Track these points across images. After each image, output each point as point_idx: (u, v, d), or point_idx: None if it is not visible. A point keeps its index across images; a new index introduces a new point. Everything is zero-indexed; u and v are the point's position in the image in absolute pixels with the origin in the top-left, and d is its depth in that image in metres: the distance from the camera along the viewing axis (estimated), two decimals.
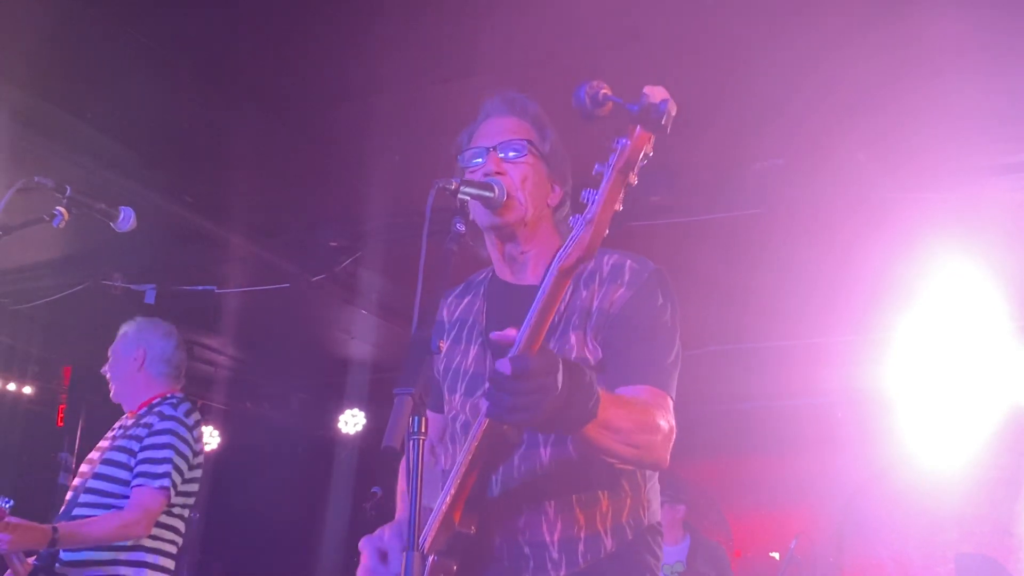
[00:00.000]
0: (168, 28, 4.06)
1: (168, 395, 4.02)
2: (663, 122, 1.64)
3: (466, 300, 2.40)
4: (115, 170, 4.99)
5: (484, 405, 1.89)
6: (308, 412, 9.86)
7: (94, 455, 3.94)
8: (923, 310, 6.20)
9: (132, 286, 6.43)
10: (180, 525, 3.92)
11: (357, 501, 8.71)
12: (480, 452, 1.94)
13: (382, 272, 6.33)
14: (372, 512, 7.14)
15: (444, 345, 2.35)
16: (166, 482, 3.73)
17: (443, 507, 1.97)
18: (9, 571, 3.64)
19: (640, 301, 2.15)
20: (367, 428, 9.32)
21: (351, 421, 9.37)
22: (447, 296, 2.45)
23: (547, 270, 1.81)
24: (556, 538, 2.10)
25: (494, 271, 2.38)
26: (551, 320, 1.79)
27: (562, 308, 2.16)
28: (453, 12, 3.88)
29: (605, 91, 1.67)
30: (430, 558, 1.95)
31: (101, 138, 4.81)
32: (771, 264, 5.69)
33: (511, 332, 1.79)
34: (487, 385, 1.69)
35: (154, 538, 3.78)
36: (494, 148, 2.23)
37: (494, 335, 1.84)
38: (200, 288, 6.58)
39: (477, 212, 2.20)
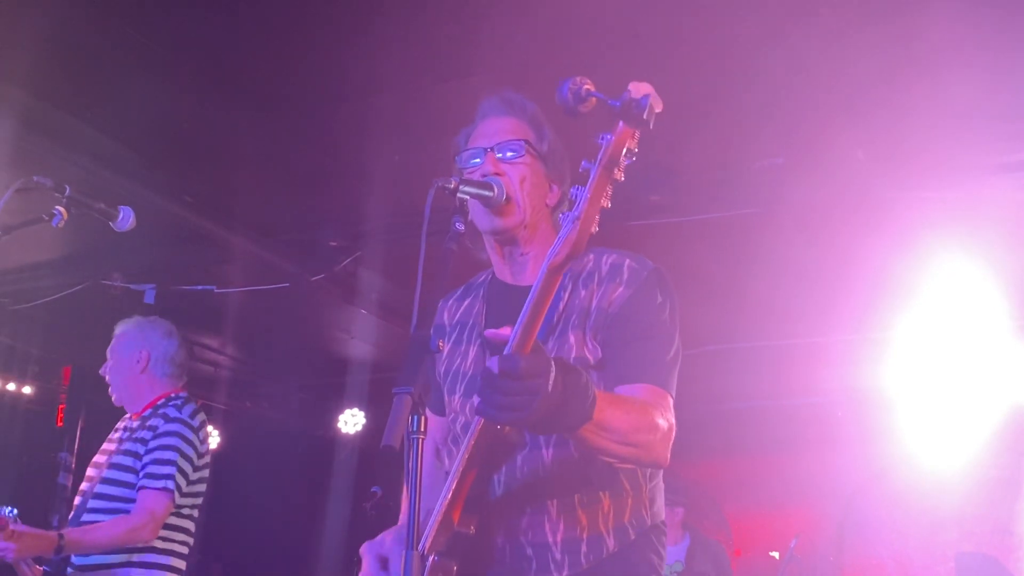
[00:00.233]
0: (168, 28, 4.06)
1: (172, 395, 4.01)
2: (645, 117, 1.64)
3: (466, 302, 2.40)
4: (115, 170, 4.99)
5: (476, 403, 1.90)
6: (308, 412, 9.87)
7: (100, 458, 3.93)
8: (923, 309, 6.20)
9: (132, 286, 6.44)
10: (190, 526, 3.92)
11: (357, 501, 8.70)
12: (477, 451, 1.94)
13: (382, 272, 6.34)
14: (372, 512, 7.14)
15: (445, 347, 2.35)
16: (170, 484, 3.72)
17: (442, 507, 1.96)
18: None
19: (639, 300, 2.14)
20: (367, 428, 9.33)
21: (351, 421, 9.38)
22: (447, 299, 2.44)
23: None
24: (559, 539, 2.10)
25: (494, 273, 2.37)
26: (550, 319, 1.79)
27: (561, 308, 2.16)
28: (452, 12, 3.88)
29: (588, 87, 1.68)
30: (430, 558, 1.94)
31: (101, 138, 4.81)
32: (770, 263, 5.69)
33: (505, 330, 1.78)
34: (480, 383, 1.68)
35: (165, 540, 3.79)
36: (492, 149, 2.23)
37: (488, 332, 1.83)
38: (200, 288, 6.59)
39: (477, 214, 2.19)
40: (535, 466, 2.12)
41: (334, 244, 5.98)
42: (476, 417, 1.92)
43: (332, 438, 9.56)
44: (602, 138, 1.69)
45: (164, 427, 3.83)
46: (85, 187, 3.09)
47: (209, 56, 4.26)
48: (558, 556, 2.09)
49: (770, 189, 4.90)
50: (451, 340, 2.36)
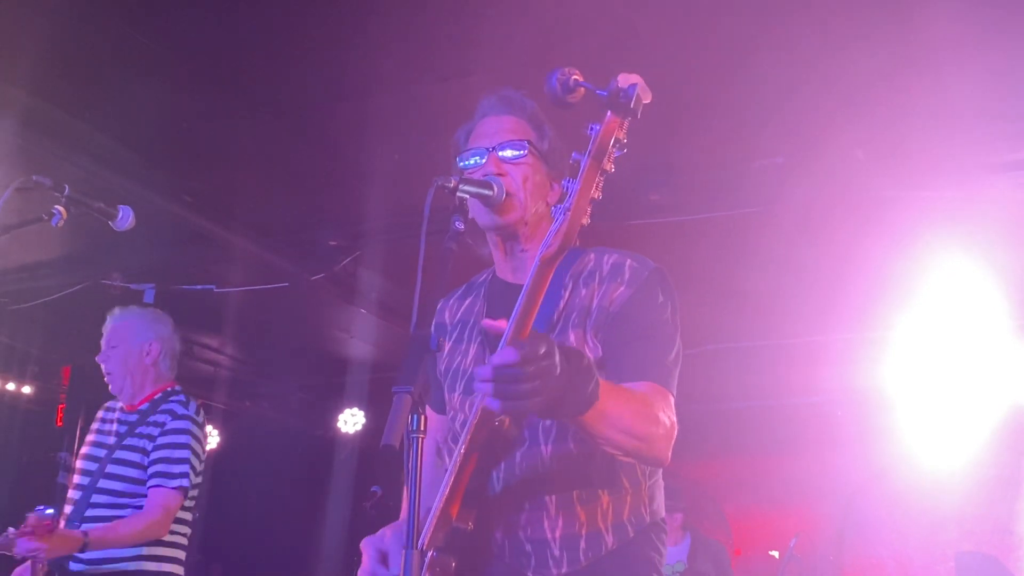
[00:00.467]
0: (168, 28, 4.06)
1: (169, 390, 4.03)
2: (632, 106, 1.65)
3: (467, 301, 2.40)
4: (114, 170, 4.99)
5: (477, 398, 1.89)
6: (308, 411, 9.87)
7: (95, 451, 3.92)
8: (923, 308, 6.20)
9: (131, 285, 6.44)
10: (189, 517, 3.99)
11: (357, 500, 8.71)
12: (474, 447, 1.94)
13: (381, 271, 6.34)
14: (372, 511, 7.14)
15: (446, 346, 2.35)
16: (185, 482, 3.79)
17: (440, 502, 1.97)
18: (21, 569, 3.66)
19: (640, 300, 2.14)
20: (367, 427, 9.33)
21: (351, 420, 9.38)
22: (448, 298, 2.45)
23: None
24: (557, 535, 2.10)
25: (495, 272, 2.37)
26: (550, 317, 1.78)
27: (561, 306, 2.17)
28: (451, 11, 3.88)
29: (576, 77, 1.68)
30: (429, 554, 1.95)
31: (100, 137, 4.81)
32: (770, 263, 5.69)
33: (502, 322, 1.77)
34: (486, 373, 1.65)
35: (172, 533, 3.84)
36: (493, 149, 2.23)
37: (485, 322, 1.82)
38: (199, 288, 6.59)
39: (477, 212, 2.19)
40: (534, 462, 2.12)
41: (334, 243, 5.97)
42: (473, 414, 1.93)
43: (332, 438, 9.57)
44: (591, 129, 1.69)
45: (173, 424, 3.87)
46: (84, 187, 3.09)
47: (208, 56, 4.26)
48: (557, 553, 2.10)
49: (770, 188, 4.90)
50: (452, 339, 2.36)
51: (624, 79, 1.66)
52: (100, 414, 4.09)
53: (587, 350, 2.11)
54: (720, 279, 5.88)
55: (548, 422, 2.12)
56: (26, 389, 8.35)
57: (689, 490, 6.48)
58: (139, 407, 3.97)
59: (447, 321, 2.40)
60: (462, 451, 1.94)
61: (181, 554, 3.93)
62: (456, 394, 2.28)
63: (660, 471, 2.25)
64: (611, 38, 3.94)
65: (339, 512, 9.07)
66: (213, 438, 9.28)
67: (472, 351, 2.29)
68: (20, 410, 8.39)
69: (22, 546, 3.38)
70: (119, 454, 3.84)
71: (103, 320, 4.16)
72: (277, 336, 8.24)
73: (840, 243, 5.42)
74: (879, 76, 4.14)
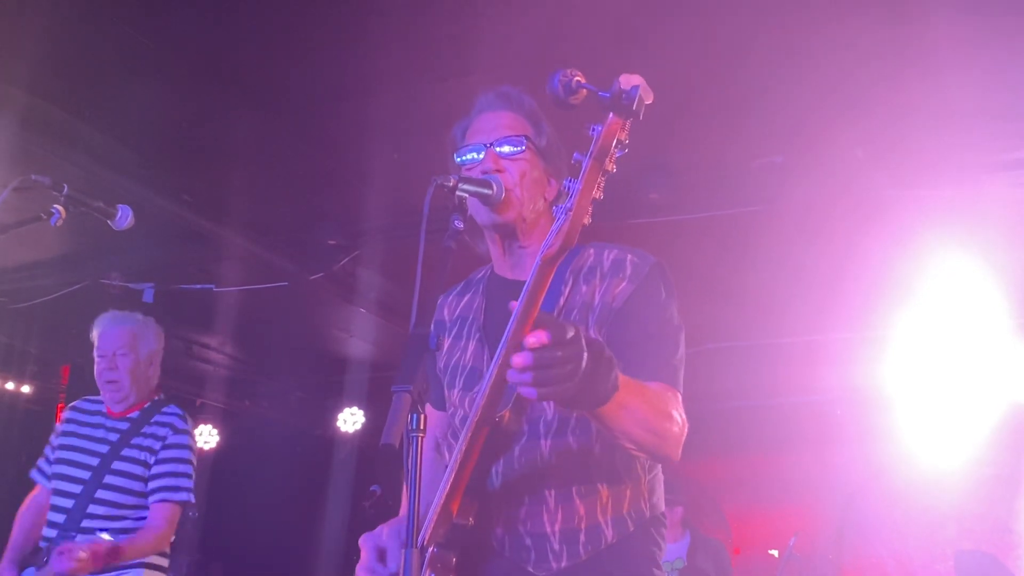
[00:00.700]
0: (167, 28, 4.06)
1: (158, 399, 4.04)
2: (634, 107, 1.66)
3: (466, 298, 2.40)
4: (113, 169, 4.99)
5: (478, 396, 1.90)
6: (307, 411, 9.86)
7: (82, 458, 3.86)
8: (922, 307, 6.20)
9: (130, 285, 6.44)
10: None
11: (356, 500, 8.71)
12: (475, 443, 1.95)
13: (380, 270, 6.33)
14: (371, 511, 7.13)
15: (446, 343, 2.35)
16: (191, 498, 3.90)
17: (441, 499, 1.97)
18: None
19: (645, 297, 2.15)
20: (366, 426, 9.33)
21: (350, 420, 9.38)
22: (447, 295, 2.45)
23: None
24: (557, 529, 2.10)
25: (493, 268, 2.38)
26: (550, 312, 1.78)
27: (562, 303, 2.17)
28: (450, 11, 3.88)
29: (578, 78, 1.69)
30: (429, 550, 1.96)
31: (99, 137, 4.81)
32: (770, 262, 5.69)
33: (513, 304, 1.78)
34: (524, 360, 1.64)
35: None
36: (491, 145, 2.22)
37: (511, 304, 1.80)
38: (198, 287, 6.59)
39: (476, 209, 2.19)
40: (532, 456, 2.13)
41: (333, 243, 5.97)
42: (474, 410, 1.93)
43: (331, 437, 9.57)
44: (593, 129, 1.70)
45: (175, 439, 3.91)
46: (84, 186, 3.08)
47: (208, 55, 4.26)
48: (556, 546, 2.10)
49: (769, 187, 4.90)
50: (451, 335, 2.36)
51: (626, 80, 1.66)
52: (70, 415, 4.04)
53: None
54: (720, 278, 5.88)
55: (548, 416, 2.12)
56: (25, 388, 8.34)
57: (689, 489, 6.48)
58: (128, 415, 3.95)
59: (446, 318, 2.41)
60: (463, 448, 1.95)
61: (167, 563, 4.00)
62: (456, 390, 2.28)
63: (659, 465, 2.25)
64: (611, 37, 3.94)
65: (338, 511, 9.07)
66: (213, 437, 9.30)
67: (471, 347, 2.29)
68: (19, 409, 8.38)
69: (62, 565, 3.46)
70: (117, 465, 3.83)
71: None
72: (276, 335, 8.24)
73: (840, 242, 5.42)
74: (879, 76, 4.14)
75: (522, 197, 2.19)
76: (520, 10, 3.78)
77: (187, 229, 5.69)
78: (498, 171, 2.18)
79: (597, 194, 1.74)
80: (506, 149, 2.22)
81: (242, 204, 5.59)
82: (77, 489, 3.80)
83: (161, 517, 3.80)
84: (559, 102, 1.70)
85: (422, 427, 1.65)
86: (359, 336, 7.94)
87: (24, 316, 6.97)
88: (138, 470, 3.84)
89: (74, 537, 3.68)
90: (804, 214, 5.11)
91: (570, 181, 1.73)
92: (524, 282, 2.14)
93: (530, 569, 2.11)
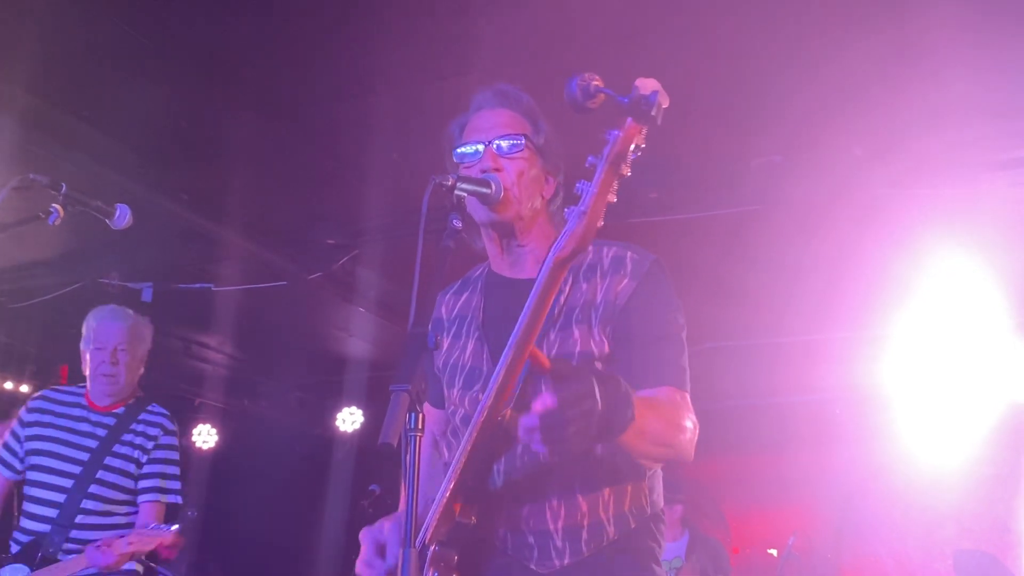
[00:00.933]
0: (166, 27, 4.05)
1: (141, 396, 4.04)
2: (653, 113, 1.67)
3: (464, 296, 2.40)
4: (112, 168, 4.98)
5: (483, 398, 1.92)
6: (306, 410, 9.86)
7: (68, 451, 3.83)
8: (921, 307, 6.20)
9: (129, 284, 6.43)
10: None
11: (355, 499, 8.70)
12: (480, 444, 1.96)
13: (379, 270, 6.33)
14: (370, 510, 7.13)
15: (444, 342, 2.35)
16: (180, 500, 3.96)
17: (444, 498, 1.98)
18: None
19: (648, 295, 2.16)
20: (365, 426, 9.32)
21: (349, 419, 9.37)
22: (444, 293, 2.45)
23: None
24: (560, 526, 2.11)
25: (490, 266, 2.38)
26: (551, 312, 1.80)
27: (562, 301, 2.17)
28: (450, 10, 3.87)
29: (597, 83, 1.69)
30: (431, 548, 1.96)
31: (98, 136, 4.80)
32: (768, 260, 5.69)
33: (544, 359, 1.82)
34: (531, 423, 1.69)
35: None
36: (489, 143, 2.22)
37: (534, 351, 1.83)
38: (197, 286, 6.58)
39: (473, 207, 2.20)
40: (535, 456, 2.13)
41: (332, 242, 5.97)
42: (476, 414, 1.94)
43: (330, 436, 9.56)
44: (609, 134, 1.71)
45: (166, 440, 3.95)
46: (82, 185, 3.08)
47: (206, 55, 4.25)
48: (559, 544, 2.11)
49: (768, 186, 4.90)
50: (450, 334, 2.36)
51: (645, 86, 1.68)
52: (41, 404, 3.99)
53: (593, 345, 2.13)
54: (719, 277, 5.88)
55: None
56: (24, 388, 8.32)
57: (688, 488, 6.48)
58: (114, 410, 3.95)
59: (444, 316, 2.41)
60: (467, 448, 1.95)
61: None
62: (455, 389, 2.29)
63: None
64: (610, 37, 3.94)
65: (337, 511, 9.07)
66: (212, 437, 9.29)
67: (470, 346, 2.29)
68: (18, 409, 8.36)
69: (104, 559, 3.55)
70: (110, 461, 3.84)
71: None
72: (275, 335, 8.23)
73: (838, 241, 5.41)
74: (877, 74, 4.13)
75: (520, 196, 2.19)
76: (519, 9, 3.78)
77: (186, 228, 5.68)
78: (496, 170, 2.18)
79: (611, 197, 1.75)
80: (505, 148, 2.22)
81: (241, 203, 5.58)
82: (67, 483, 3.79)
83: (152, 515, 3.84)
84: (577, 106, 1.71)
85: (420, 426, 1.66)
86: (358, 335, 7.94)
87: (23, 316, 6.96)
88: (130, 467, 3.85)
89: (69, 532, 3.68)
90: (803, 213, 5.11)
91: (583, 184, 1.74)
92: (523, 281, 2.15)
93: (532, 567, 2.12)
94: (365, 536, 2.13)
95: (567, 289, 2.18)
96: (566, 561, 2.10)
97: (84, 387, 4.04)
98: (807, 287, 6.02)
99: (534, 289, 1.80)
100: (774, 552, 8.12)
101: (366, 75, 4.35)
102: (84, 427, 3.91)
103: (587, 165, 1.74)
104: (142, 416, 3.94)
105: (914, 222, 5.13)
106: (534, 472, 2.13)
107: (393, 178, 5.05)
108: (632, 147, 1.72)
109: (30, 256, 6.39)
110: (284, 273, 6.30)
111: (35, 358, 8.08)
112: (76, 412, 3.95)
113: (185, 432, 9.24)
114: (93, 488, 3.78)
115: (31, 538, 3.74)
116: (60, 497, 3.77)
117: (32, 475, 3.85)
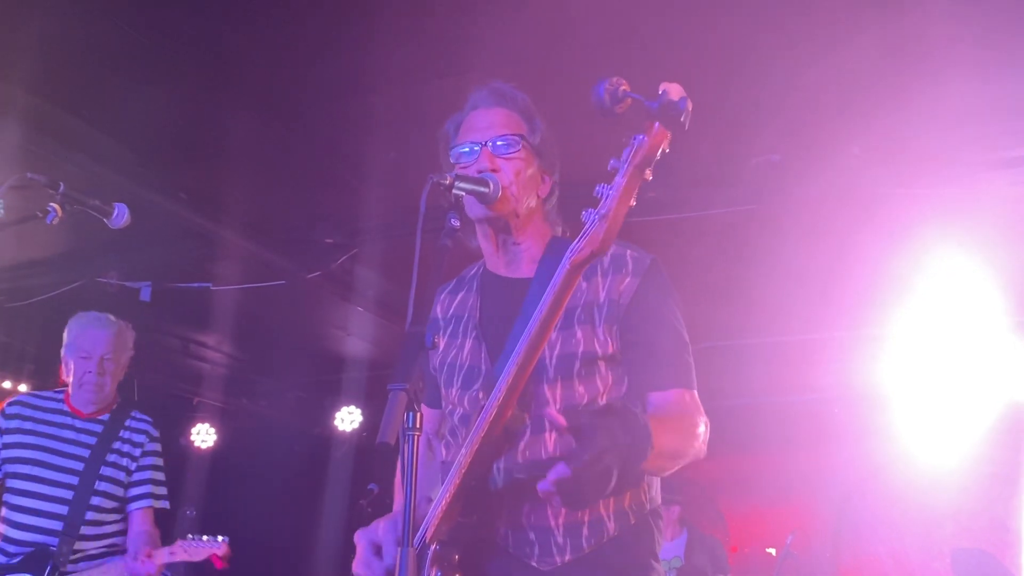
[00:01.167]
0: (165, 27, 4.05)
1: (122, 402, 4.04)
2: (682, 119, 1.67)
3: (460, 296, 2.40)
4: (110, 167, 4.98)
5: (487, 398, 1.92)
6: (304, 409, 9.86)
7: (63, 462, 3.80)
8: (919, 306, 6.20)
9: (128, 283, 6.42)
10: None
11: (354, 498, 8.71)
12: (484, 446, 1.97)
13: (378, 269, 6.33)
14: (368, 509, 7.14)
15: (441, 342, 2.35)
16: (168, 504, 4.00)
17: (445, 498, 1.99)
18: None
19: (651, 294, 2.18)
20: (363, 425, 9.32)
21: (347, 418, 9.37)
22: (440, 292, 2.45)
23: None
24: (561, 523, 2.12)
25: (485, 265, 2.38)
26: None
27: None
28: (449, 9, 3.87)
29: (624, 87, 1.69)
30: (432, 547, 1.97)
31: (96, 135, 4.80)
32: (766, 260, 5.69)
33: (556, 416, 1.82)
34: (548, 487, 1.72)
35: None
36: (486, 143, 2.22)
37: (549, 413, 1.84)
38: (196, 285, 6.58)
39: (469, 204, 2.20)
40: (536, 452, 2.14)
41: (330, 241, 5.97)
42: (480, 416, 1.96)
43: (329, 435, 9.56)
44: (635, 138, 1.70)
45: (152, 446, 3.98)
46: (81, 184, 3.08)
47: (205, 54, 4.25)
48: (560, 540, 2.12)
49: (766, 185, 4.90)
50: (446, 334, 2.36)
51: (673, 91, 1.68)
52: (19, 410, 3.87)
53: (596, 345, 2.14)
54: (717, 276, 5.88)
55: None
56: (23, 387, 8.32)
57: (686, 488, 6.48)
58: (99, 417, 3.92)
59: (439, 316, 2.41)
60: (472, 449, 1.96)
61: None
62: (454, 389, 2.29)
63: None
64: (609, 36, 3.94)
65: (336, 510, 9.07)
66: (210, 436, 9.29)
67: (468, 345, 2.29)
68: None
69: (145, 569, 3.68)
70: (105, 471, 3.83)
71: None
72: (274, 334, 8.23)
73: (837, 240, 5.41)
74: (876, 73, 4.13)
75: (518, 195, 2.20)
76: (518, 8, 3.78)
77: (184, 228, 5.68)
78: (493, 170, 2.18)
79: (632, 201, 1.75)
80: (501, 147, 2.22)
81: (240, 203, 5.58)
82: (65, 493, 3.75)
83: (148, 521, 3.90)
84: (604, 111, 1.70)
85: (418, 425, 1.66)
86: (357, 335, 7.93)
87: (21, 315, 6.95)
88: (121, 476, 3.87)
89: (75, 544, 3.69)
90: (801, 212, 5.11)
91: (603, 187, 1.74)
92: (520, 280, 2.16)
93: (534, 564, 2.12)
94: (360, 537, 2.13)
95: None
96: (567, 558, 2.11)
97: (62, 392, 3.96)
98: (805, 286, 6.02)
99: (548, 291, 1.80)
100: (772, 551, 8.12)
101: (366, 75, 4.34)
102: (68, 434, 3.84)
103: (609, 169, 1.74)
104: (128, 423, 3.94)
105: (913, 221, 5.13)
106: (535, 469, 2.13)
107: (391, 177, 5.04)
108: (658, 152, 1.73)
109: (29, 255, 6.38)
110: (283, 272, 6.30)
111: (34, 357, 8.07)
112: (58, 419, 3.88)
113: (184, 431, 9.25)
114: (95, 500, 3.78)
115: (27, 548, 3.68)
116: (60, 508, 3.73)
117: (15, 483, 3.76)
